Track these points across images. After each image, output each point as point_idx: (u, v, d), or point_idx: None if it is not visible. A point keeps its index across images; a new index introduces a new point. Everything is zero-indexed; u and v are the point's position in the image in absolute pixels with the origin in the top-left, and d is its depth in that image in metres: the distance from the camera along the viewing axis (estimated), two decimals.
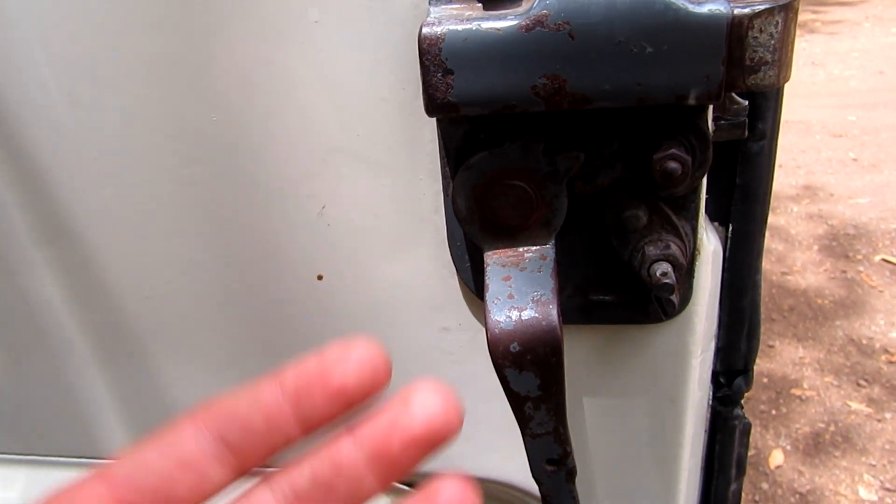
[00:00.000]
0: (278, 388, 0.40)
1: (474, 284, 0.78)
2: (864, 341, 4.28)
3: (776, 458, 3.54)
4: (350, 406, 0.40)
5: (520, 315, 0.74)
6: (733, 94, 0.82)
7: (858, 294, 4.72)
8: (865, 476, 3.41)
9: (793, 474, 3.53)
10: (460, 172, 0.78)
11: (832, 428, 3.70)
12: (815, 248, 5.21)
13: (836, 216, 5.55)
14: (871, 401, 3.85)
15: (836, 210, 5.63)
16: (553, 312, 0.73)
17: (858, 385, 3.99)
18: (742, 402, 1.04)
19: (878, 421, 3.69)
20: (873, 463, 3.47)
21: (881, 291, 4.71)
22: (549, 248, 0.76)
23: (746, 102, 0.84)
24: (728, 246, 0.93)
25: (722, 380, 1.02)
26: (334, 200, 0.81)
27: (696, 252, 0.84)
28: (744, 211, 0.90)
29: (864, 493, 3.31)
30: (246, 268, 0.84)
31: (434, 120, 0.70)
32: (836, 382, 4.17)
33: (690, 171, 0.73)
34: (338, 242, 0.87)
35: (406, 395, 0.40)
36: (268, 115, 0.75)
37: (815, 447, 3.58)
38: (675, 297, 0.85)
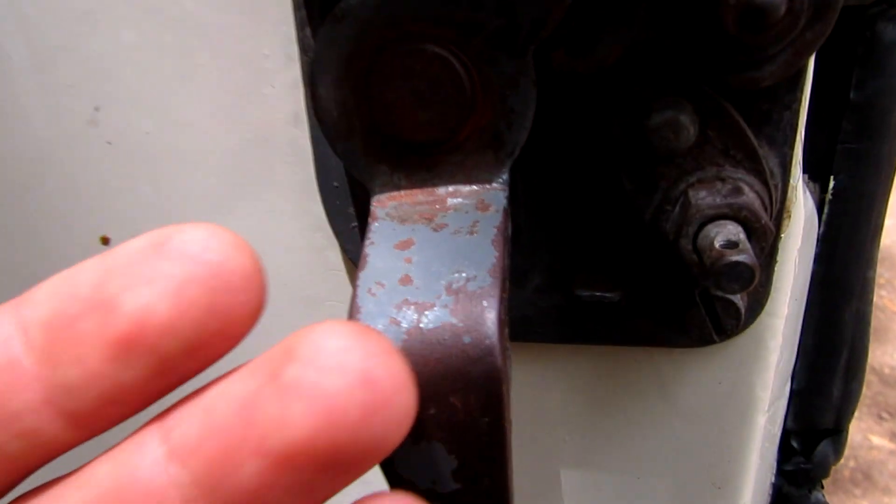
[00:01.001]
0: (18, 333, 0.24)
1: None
2: (887, 370, 3.98)
3: None
4: (168, 372, 0.24)
5: (418, 320, 0.34)
6: None
7: (881, 320, 4.42)
8: None
9: None
10: (323, 28, 0.38)
11: (852, 464, 3.44)
12: None
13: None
14: (893, 435, 3.60)
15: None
16: (489, 317, 0.33)
17: (880, 418, 3.71)
18: (825, 480, 0.64)
19: None
20: None
21: None
22: (496, 191, 0.43)
23: None
24: (825, 214, 0.52)
25: (795, 443, 0.62)
26: (111, 94, 0.50)
27: (786, 213, 0.43)
28: (861, 151, 0.50)
29: None
30: None
31: None
32: (856, 415, 3.86)
33: (804, 9, 0.33)
34: (126, 178, 0.53)
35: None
36: None
37: (834, 484, 3.38)
38: (739, 300, 0.44)
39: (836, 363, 0.60)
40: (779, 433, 0.60)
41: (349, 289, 0.55)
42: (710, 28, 0.35)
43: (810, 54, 0.38)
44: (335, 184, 0.49)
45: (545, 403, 0.53)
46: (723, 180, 0.40)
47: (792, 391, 0.62)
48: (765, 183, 0.41)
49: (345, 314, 0.56)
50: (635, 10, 0.37)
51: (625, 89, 0.40)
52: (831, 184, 0.55)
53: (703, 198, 0.39)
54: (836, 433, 0.63)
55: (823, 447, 0.64)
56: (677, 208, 0.40)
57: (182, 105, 0.48)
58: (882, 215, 0.56)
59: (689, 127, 0.39)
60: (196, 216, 0.51)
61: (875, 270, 0.59)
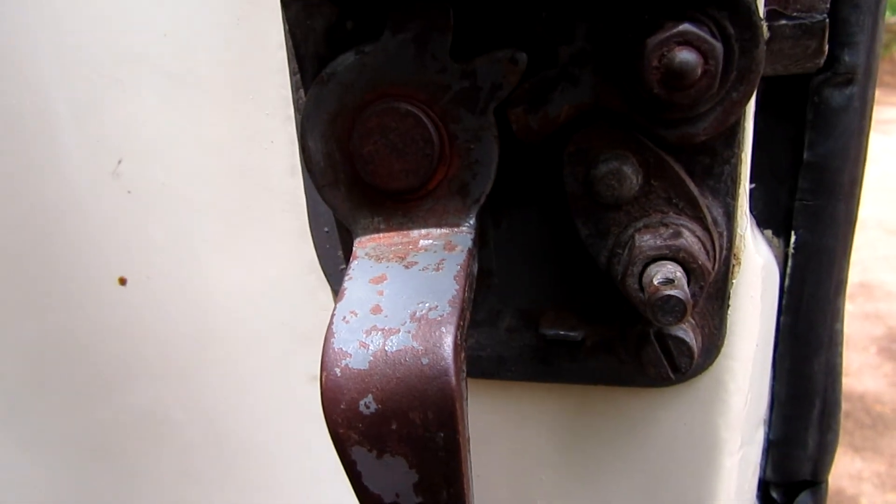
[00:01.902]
0: None
1: None
2: None
3: None
4: None
5: (383, 344, 0.38)
6: None
7: None
8: None
9: None
10: (312, 90, 0.44)
11: None
12: (873, 349, 4.82)
13: (895, 316, 5.16)
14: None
15: (894, 309, 5.25)
16: (447, 341, 0.37)
17: None
18: None
19: None
20: None
21: None
22: (462, 234, 0.48)
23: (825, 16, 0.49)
24: (789, 267, 0.55)
25: (775, 495, 0.63)
26: (133, 149, 0.55)
27: (734, 258, 0.46)
28: (817, 208, 0.53)
29: None
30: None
31: (280, 12, 0.46)
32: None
33: (718, 72, 0.37)
34: (144, 225, 0.60)
35: None
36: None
37: None
38: (692, 339, 0.47)
39: (809, 414, 0.62)
40: (754, 481, 0.62)
41: None
42: (644, 89, 0.40)
43: (738, 112, 0.42)
44: (326, 229, 0.54)
45: (521, 441, 0.56)
46: (666, 225, 0.44)
47: (769, 441, 0.64)
48: (706, 229, 0.45)
49: None
50: (580, 74, 0.43)
51: (576, 143, 0.45)
52: (793, 238, 0.58)
53: (647, 240, 0.43)
54: (815, 485, 0.64)
55: (803, 498, 0.65)
56: (626, 252, 0.44)
57: (193, 159, 0.54)
58: (844, 270, 0.59)
59: (631, 177, 0.43)
60: (203, 258, 0.57)
61: (843, 323, 0.61)
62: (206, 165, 0.54)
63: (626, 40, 0.41)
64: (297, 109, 0.50)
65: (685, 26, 0.37)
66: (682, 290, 0.40)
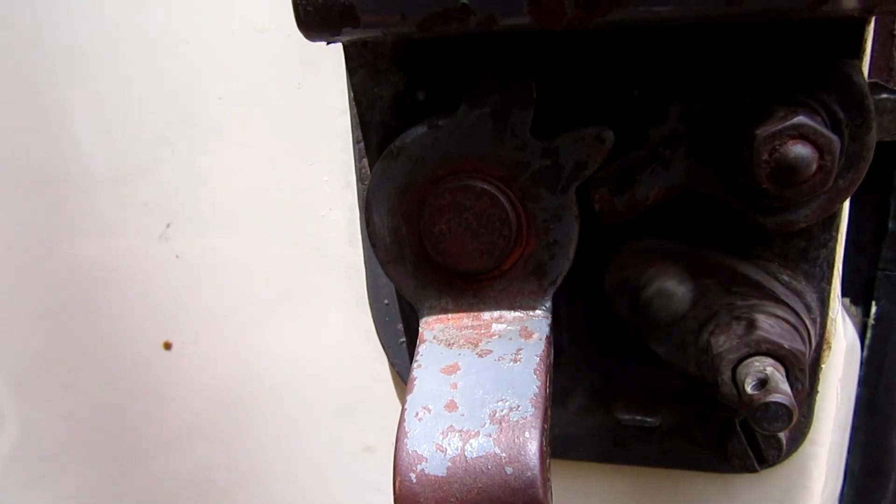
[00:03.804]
0: None
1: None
2: None
3: None
4: None
5: (463, 448, 0.35)
6: None
7: None
8: None
9: None
10: (380, 163, 0.42)
11: None
12: None
13: None
14: None
15: None
16: (531, 448, 0.35)
17: None
18: None
19: None
20: None
21: None
22: (538, 318, 0.45)
23: None
24: (868, 339, 0.52)
25: None
26: (183, 213, 0.53)
27: (825, 343, 0.43)
28: None
29: None
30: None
31: (344, 72, 0.44)
32: None
33: (835, 168, 0.34)
34: (192, 289, 0.58)
35: None
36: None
37: None
38: (783, 433, 0.44)
39: (885, 487, 0.59)
40: None
41: (394, 398, 0.56)
42: (744, 176, 0.37)
43: (843, 200, 0.39)
44: (385, 301, 0.51)
45: None
46: (737, 318, 0.41)
47: None
48: (803, 319, 0.42)
49: (386, 422, 0.58)
50: (672, 156, 0.40)
51: (610, 277, 0.42)
52: (873, 309, 0.55)
53: (723, 344, 0.40)
54: None
55: None
56: (708, 359, 0.41)
57: (247, 223, 0.52)
58: None
59: (677, 289, 0.41)
60: (255, 325, 0.54)
61: None
62: (261, 230, 0.52)
63: (725, 123, 0.38)
64: (359, 178, 0.48)
65: (800, 119, 0.34)
66: (781, 392, 0.37)
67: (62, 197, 0.53)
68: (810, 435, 0.48)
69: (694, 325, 0.42)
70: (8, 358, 0.58)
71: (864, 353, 0.56)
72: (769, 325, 0.41)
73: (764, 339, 0.40)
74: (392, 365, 0.52)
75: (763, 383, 0.39)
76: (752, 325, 0.41)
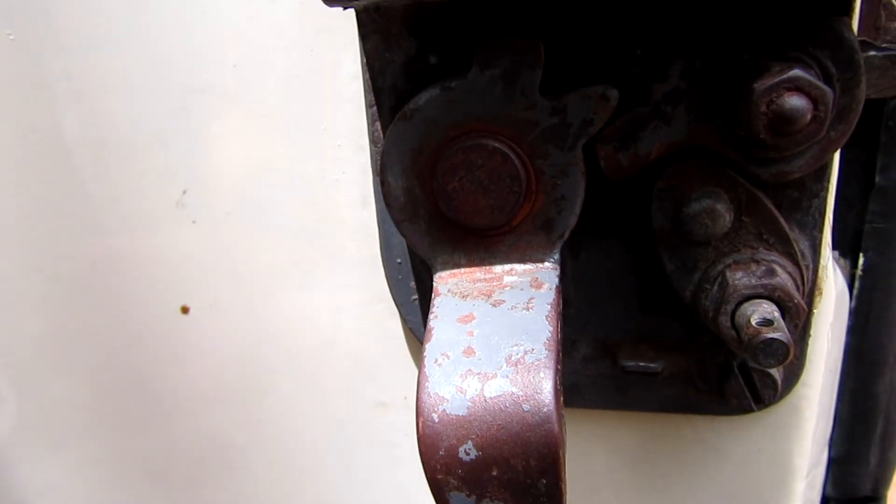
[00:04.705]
0: None
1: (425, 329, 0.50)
2: None
3: None
4: None
5: (482, 389, 0.37)
6: None
7: None
8: None
9: None
10: (394, 126, 0.44)
11: None
12: None
13: None
14: None
15: None
16: (546, 386, 0.37)
17: None
18: None
19: None
20: None
21: None
22: (547, 270, 0.47)
23: None
24: (856, 289, 0.55)
25: None
26: (198, 179, 0.55)
27: (817, 289, 0.46)
28: (888, 231, 0.53)
29: None
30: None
31: (357, 38, 0.46)
32: None
33: (828, 117, 0.37)
34: (208, 254, 0.59)
35: None
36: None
37: None
38: (778, 373, 0.47)
39: (872, 432, 0.62)
40: (818, 500, 0.62)
41: (407, 356, 0.59)
42: (742, 129, 0.40)
43: (835, 150, 0.42)
44: (398, 260, 0.53)
45: (592, 466, 0.56)
46: (757, 262, 0.44)
47: (830, 459, 0.64)
48: (796, 264, 0.45)
49: (401, 378, 0.60)
50: (673, 113, 0.42)
51: (666, 181, 0.44)
52: (861, 261, 0.58)
53: (740, 278, 0.43)
54: (875, 500, 0.65)
55: None
56: (715, 288, 0.44)
57: (261, 189, 0.54)
58: None
59: (724, 214, 0.43)
60: (270, 288, 0.56)
61: None
62: (275, 195, 0.54)
63: (724, 80, 0.40)
64: (372, 141, 0.50)
65: (796, 72, 0.36)
66: (783, 332, 0.39)
67: (79, 167, 0.54)
68: (803, 377, 0.50)
69: (713, 255, 0.44)
70: (29, 325, 0.60)
71: (853, 303, 0.59)
72: (786, 277, 0.44)
73: (781, 287, 0.43)
74: (405, 321, 0.55)
75: (768, 323, 0.41)
76: (772, 272, 0.44)
